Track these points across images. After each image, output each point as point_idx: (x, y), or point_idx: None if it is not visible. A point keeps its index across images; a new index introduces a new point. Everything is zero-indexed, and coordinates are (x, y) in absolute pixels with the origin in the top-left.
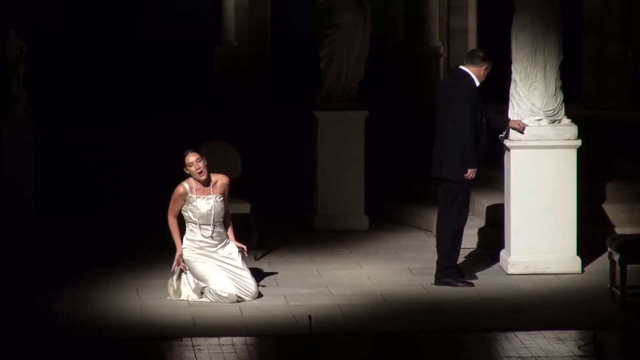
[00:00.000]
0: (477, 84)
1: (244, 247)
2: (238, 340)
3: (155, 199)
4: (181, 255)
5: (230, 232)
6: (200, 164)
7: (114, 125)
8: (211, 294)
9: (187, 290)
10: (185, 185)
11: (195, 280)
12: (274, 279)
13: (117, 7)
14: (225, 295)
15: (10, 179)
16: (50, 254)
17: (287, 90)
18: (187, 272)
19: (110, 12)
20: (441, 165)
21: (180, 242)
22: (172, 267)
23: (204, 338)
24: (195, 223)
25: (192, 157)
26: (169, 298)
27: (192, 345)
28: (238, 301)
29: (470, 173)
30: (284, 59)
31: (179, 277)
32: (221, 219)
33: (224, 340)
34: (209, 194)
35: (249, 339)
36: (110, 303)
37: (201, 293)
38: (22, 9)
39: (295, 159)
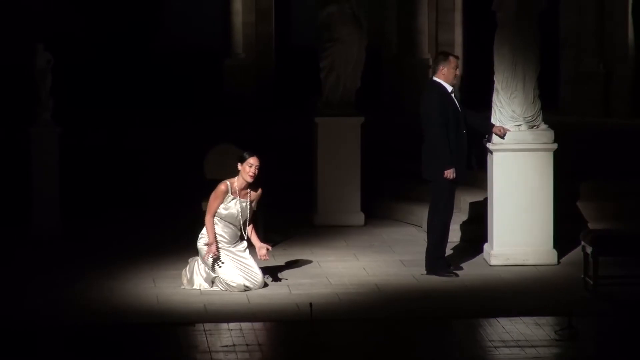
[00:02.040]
0: (449, 88)
1: (269, 247)
2: (245, 325)
3: (172, 197)
4: (213, 245)
5: (252, 232)
6: (257, 171)
7: (134, 131)
8: (221, 283)
9: (199, 279)
10: (228, 183)
11: (207, 270)
12: (278, 271)
13: (136, 23)
14: (234, 285)
15: (38, 179)
16: (75, 248)
17: (290, 98)
18: (200, 262)
19: (129, 28)
20: (425, 167)
21: (214, 238)
22: (205, 256)
23: (214, 324)
24: (221, 219)
25: (254, 161)
26: (182, 287)
27: (204, 330)
28: (245, 290)
29: (447, 174)
30: (287, 70)
31: (208, 267)
32: (244, 222)
33: (233, 325)
34: (243, 197)
35: (255, 325)
36: (130, 292)
37: (212, 282)
38: (48, 24)
39: (297, 161)
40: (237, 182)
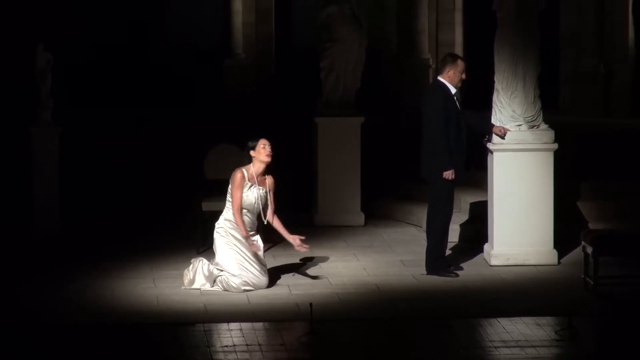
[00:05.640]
0: (453, 90)
1: (303, 237)
2: (245, 325)
3: (172, 197)
4: (249, 239)
5: (280, 225)
6: (270, 149)
7: (134, 131)
8: (222, 283)
9: (202, 279)
10: (244, 170)
11: (210, 269)
12: (278, 270)
13: (136, 23)
14: (234, 285)
15: (38, 179)
16: (75, 248)
17: (290, 98)
18: (204, 262)
19: (129, 28)
20: (425, 167)
21: (246, 230)
22: (251, 249)
23: (214, 324)
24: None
25: (265, 141)
26: (183, 287)
27: (204, 330)
28: (246, 290)
29: (447, 174)
30: (287, 70)
31: (217, 257)
32: (260, 211)
33: (233, 325)
34: (260, 184)
35: (255, 325)
36: (130, 292)
37: (213, 282)
38: (49, 24)
39: (298, 161)
40: (253, 169)
